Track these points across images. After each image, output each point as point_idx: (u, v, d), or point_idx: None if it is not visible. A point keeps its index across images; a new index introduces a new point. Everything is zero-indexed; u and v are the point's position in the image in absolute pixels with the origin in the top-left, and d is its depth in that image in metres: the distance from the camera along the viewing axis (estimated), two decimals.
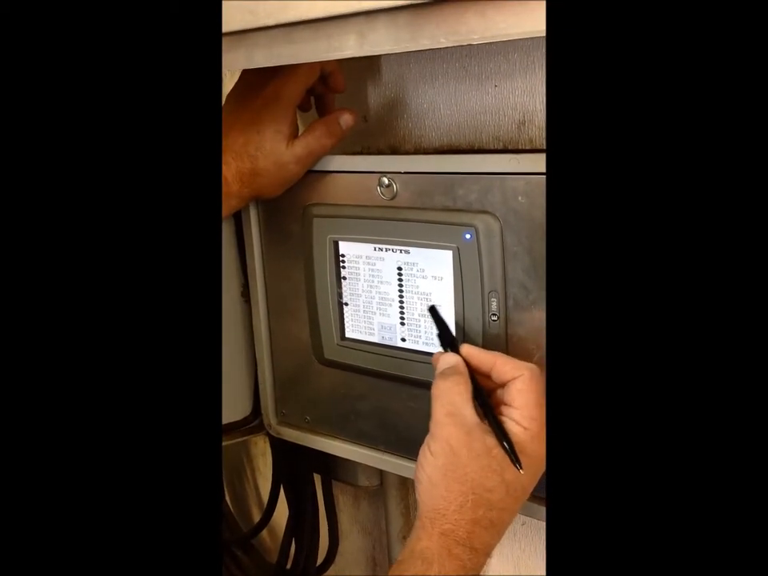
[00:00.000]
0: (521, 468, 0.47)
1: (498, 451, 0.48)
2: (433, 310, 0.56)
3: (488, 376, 0.51)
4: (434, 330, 0.56)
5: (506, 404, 0.49)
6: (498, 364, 0.51)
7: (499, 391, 0.51)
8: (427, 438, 0.50)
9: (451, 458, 0.48)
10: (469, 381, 0.50)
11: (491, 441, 0.48)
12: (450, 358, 0.52)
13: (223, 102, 0.62)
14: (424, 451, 0.50)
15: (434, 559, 0.46)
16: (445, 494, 0.48)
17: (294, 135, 0.59)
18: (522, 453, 0.47)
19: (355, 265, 0.62)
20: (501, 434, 0.48)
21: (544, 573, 0.37)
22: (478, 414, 0.49)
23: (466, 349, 0.52)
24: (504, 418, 0.49)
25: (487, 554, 0.48)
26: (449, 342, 0.54)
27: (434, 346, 0.59)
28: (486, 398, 0.50)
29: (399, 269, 0.60)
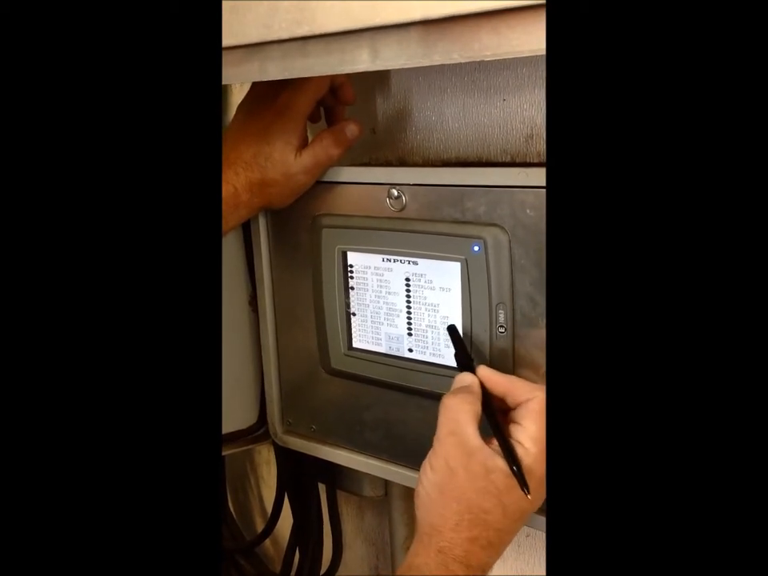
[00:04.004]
0: (528, 493, 0.47)
1: (497, 476, 0.47)
2: (452, 330, 0.56)
3: (503, 399, 0.51)
4: (450, 348, 0.56)
5: (515, 422, 0.49)
6: (513, 386, 0.51)
7: (511, 413, 0.51)
8: (429, 453, 0.50)
9: (449, 477, 0.48)
10: (478, 401, 0.50)
11: (492, 464, 0.48)
12: (466, 378, 0.52)
13: (233, 113, 0.62)
14: (424, 466, 0.50)
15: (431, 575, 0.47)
16: (441, 511, 0.48)
17: (303, 146, 0.60)
18: (525, 474, 0.47)
19: (363, 275, 0.63)
20: (510, 457, 0.48)
21: None
22: (483, 436, 0.49)
23: (482, 371, 0.52)
24: (511, 440, 0.49)
25: (484, 571, 0.48)
26: (465, 362, 0.54)
27: (441, 357, 0.60)
28: (497, 420, 0.50)
29: (407, 280, 0.60)
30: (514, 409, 0.50)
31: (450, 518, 0.48)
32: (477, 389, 0.51)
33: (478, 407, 0.50)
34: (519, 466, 0.47)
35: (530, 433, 0.48)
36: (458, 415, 0.49)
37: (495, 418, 0.50)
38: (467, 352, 0.55)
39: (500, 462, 0.48)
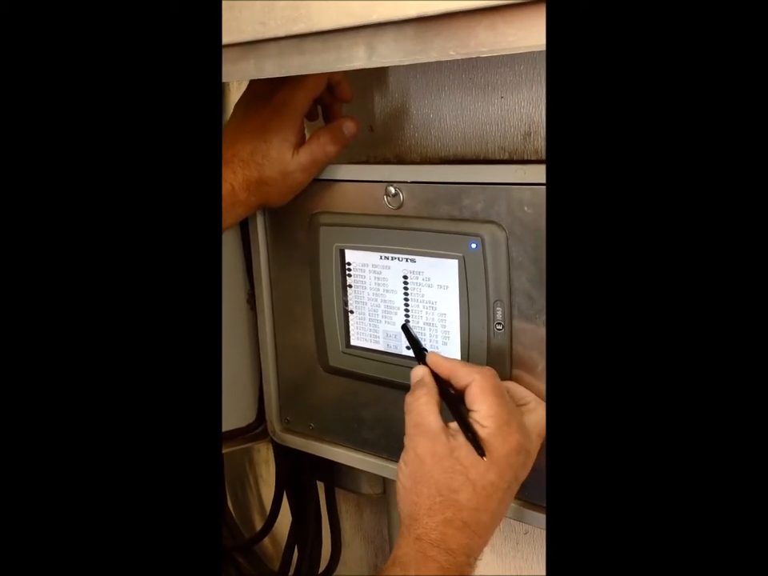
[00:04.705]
0: (483, 455, 0.48)
1: (460, 452, 0.49)
2: (405, 328, 0.58)
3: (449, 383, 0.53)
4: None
5: (469, 409, 0.51)
6: (454, 371, 0.52)
7: None
8: (402, 452, 0.52)
9: (419, 465, 0.50)
10: (434, 389, 0.52)
11: (454, 443, 0.49)
12: (418, 371, 0.54)
13: (231, 112, 0.62)
14: (399, 463, 0.52)
15: (410, 564, 0.48)
16: (415, 499, 0.50)
17: (300, 144, 0.60)
18: (486, 450, 0.49)
19: (361, 273, 0.63)
20: (464, 425, 0.50)
21: None
22: (445, 419, 0.51)
23: (429, 357, 0.54)
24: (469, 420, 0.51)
25: (468, 555, 0.49)
26: (418, 355, 0.56)
27: None
28: (451, 398, 0.52)
29: (405, 277, 0.60)
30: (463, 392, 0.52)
31: (423, 503, 0.49)
32: (429, 378, 0.53)
33: (435, 395, 0.52)
34: (474, 433, 0.49)
35: (482, 413, 0.50)
36: (419, 408, 0.51)
37: (449, 396, 0.52)
38: (420, 346, 0.57)
39: (461, 439, 0.49)
